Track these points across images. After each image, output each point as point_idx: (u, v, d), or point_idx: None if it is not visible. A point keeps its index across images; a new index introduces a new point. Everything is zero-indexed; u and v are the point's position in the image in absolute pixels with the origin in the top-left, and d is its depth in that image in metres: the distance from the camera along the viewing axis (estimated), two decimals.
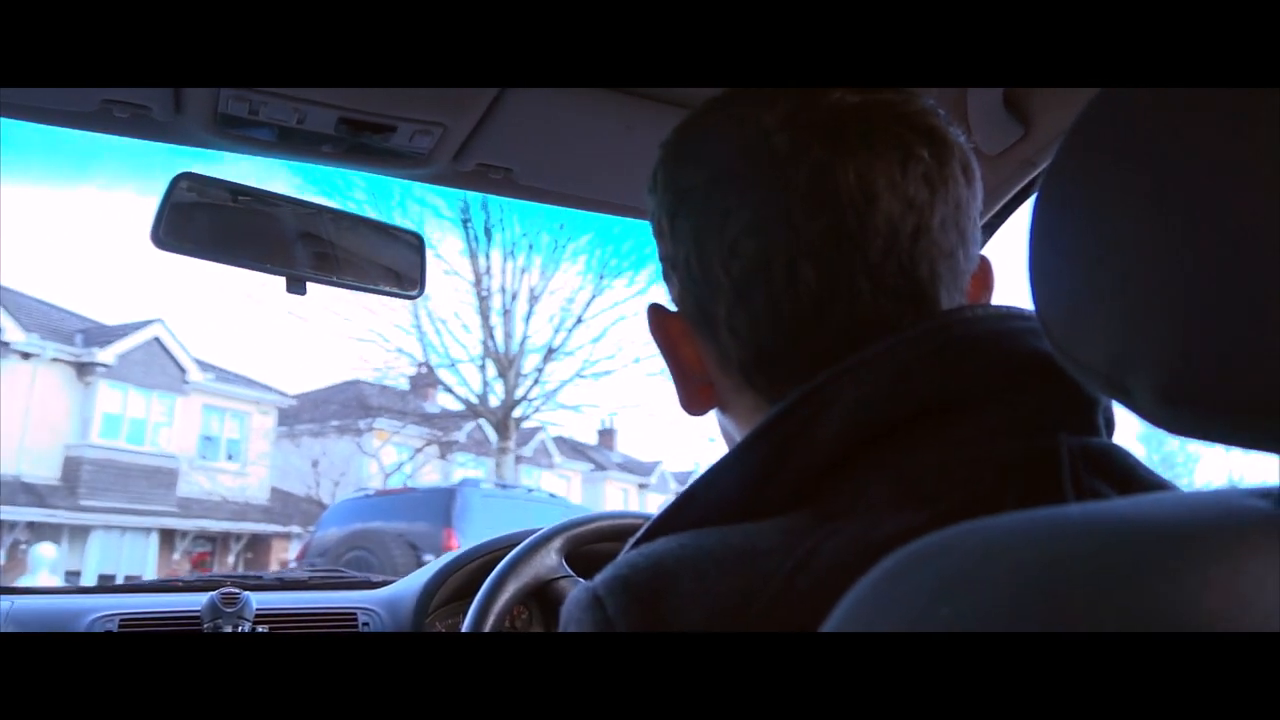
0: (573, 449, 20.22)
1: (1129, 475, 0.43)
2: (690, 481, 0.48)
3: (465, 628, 1.14)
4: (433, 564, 1.41)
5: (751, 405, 0.50)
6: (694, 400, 0.54)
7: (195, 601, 1.22)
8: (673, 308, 0.54)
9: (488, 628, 1.13)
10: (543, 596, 1.20)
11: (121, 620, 1.21)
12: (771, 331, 0.47)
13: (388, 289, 1.13)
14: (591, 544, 1.25)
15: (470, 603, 1.15)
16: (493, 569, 1.18)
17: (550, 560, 1.20)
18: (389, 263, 1.12)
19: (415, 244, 1.13)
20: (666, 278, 0.53)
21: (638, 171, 1.05)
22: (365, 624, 1.31)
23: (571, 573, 1.20)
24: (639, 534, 0.47)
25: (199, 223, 1.00)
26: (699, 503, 0.47)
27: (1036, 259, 0.33)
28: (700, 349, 0.52)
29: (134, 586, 1.54)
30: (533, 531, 1.24)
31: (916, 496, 0.40)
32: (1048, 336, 0.33)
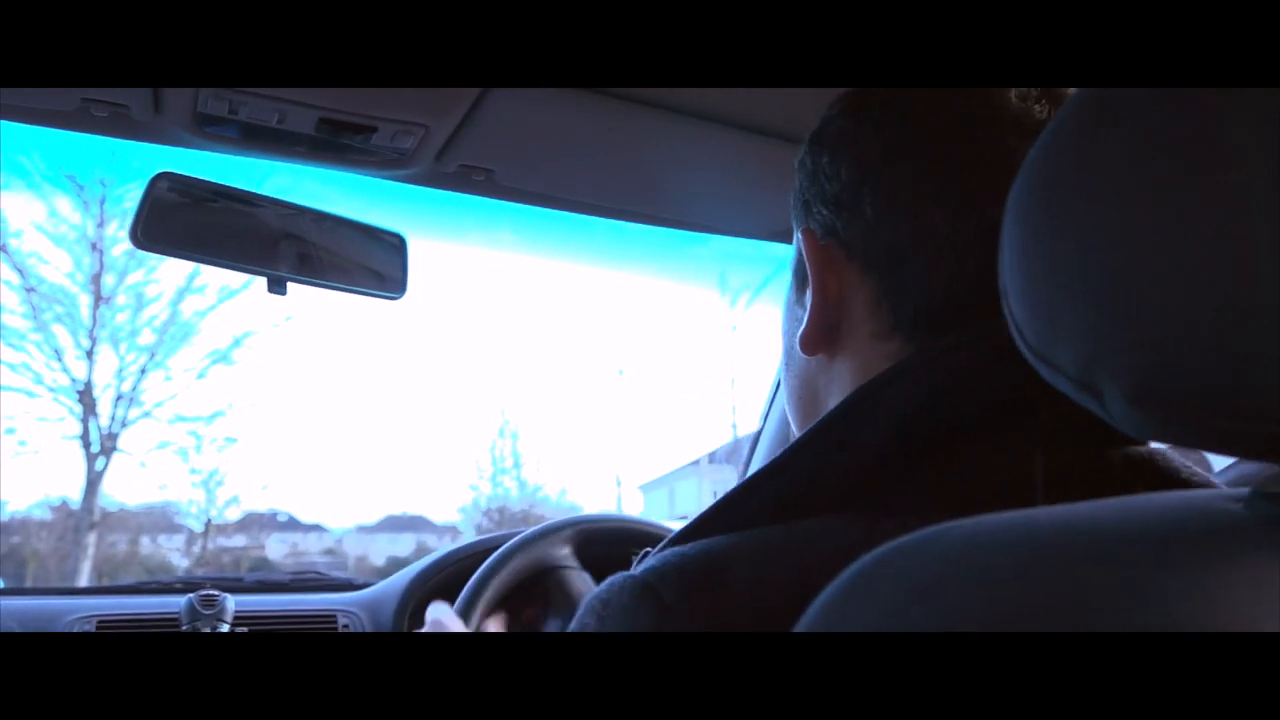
0: None
1: (1169, 481, 0.44)
2: (730, 489, 0.48)
3: (459, 602, 1.12)
4: (414, 565, 1.40)
5: (891, 353, 0.50)
6: (817, 337, 0.53)
7: (174, 603, 1.21)
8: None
9: (482, 603, 1.12)
10: (546, 583, 1.18)
11: (99, 621, 1.20)
12: (970, 287, 0.47)
13: (370, 290, 1.13)
14: (602, 545, 1.22)
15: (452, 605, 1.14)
16: (474, 572, 1.17)
17: (559, 550, 1.18)
18: (371, 263, 1.11)
19: (397, 244, 1.12)
20: (843, 207, 0.52)
21: (619, 173, 1.06)
22: (345, 626, 1.31)
23: (578, 565, 1.19)
24: (676, 533, 0.47)
25: (179, 222, 0.99)
26: (741, 507, 0.47)
27: (1010, 258, 0.33)
28: (852, 285, 0.51)
29: (114, 588, 1.54)
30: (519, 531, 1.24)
31: (957, 501, 0.40)
32: (1018, 337, 0.33)
